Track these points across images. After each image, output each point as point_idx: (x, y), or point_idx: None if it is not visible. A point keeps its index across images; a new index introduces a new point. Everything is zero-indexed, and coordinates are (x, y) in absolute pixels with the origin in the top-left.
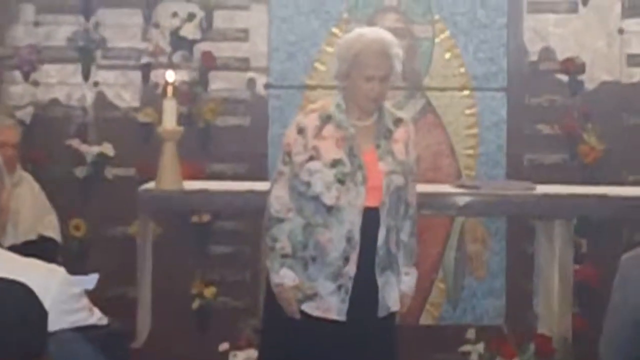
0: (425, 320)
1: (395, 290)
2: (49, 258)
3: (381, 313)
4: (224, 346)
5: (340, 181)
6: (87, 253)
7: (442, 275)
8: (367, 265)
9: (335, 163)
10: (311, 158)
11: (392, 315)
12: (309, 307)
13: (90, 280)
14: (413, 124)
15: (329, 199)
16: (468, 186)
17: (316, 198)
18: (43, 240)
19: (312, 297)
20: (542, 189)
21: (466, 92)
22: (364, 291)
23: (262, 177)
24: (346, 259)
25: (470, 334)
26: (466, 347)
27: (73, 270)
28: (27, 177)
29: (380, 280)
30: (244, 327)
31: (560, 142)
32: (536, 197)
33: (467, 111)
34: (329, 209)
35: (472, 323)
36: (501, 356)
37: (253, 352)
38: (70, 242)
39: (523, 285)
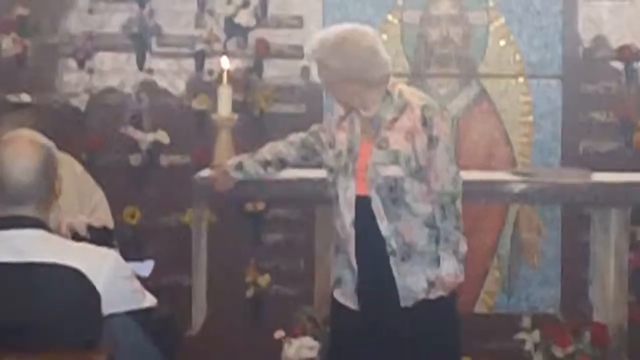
0: (480, 308)
1: (423, 278)
2: (103, 244)
3: (405, 302)
4: (278, 334)
5: (336, 171)
6: (141, 241)
7: (497, 263)
8: (378, 255)
9: (338, 153)
10: (330, 146)
11: (429, 303)
12: (336, 294)
13: (146, 267)
14: (429, 107)
15: (331, 189)
16: (523, 173)
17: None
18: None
19: (338, 283)
20: (597, 176)
21: (521, 80)
22: (379, 281)
23: (317, 165)
24: (349, 248)
25: (526, 322)
26: (521, 335)
27: (128, 257)
28: (66, 158)
29: (398, 270)
30: (298, 315)
31: (615, 130)
32: (591, 185)
33: (522, 98)
34: (335, 199)
35: (527, 311)
36: (557, 344)
37: (307, 340)
38: (124, 230)
39: (578, 273)
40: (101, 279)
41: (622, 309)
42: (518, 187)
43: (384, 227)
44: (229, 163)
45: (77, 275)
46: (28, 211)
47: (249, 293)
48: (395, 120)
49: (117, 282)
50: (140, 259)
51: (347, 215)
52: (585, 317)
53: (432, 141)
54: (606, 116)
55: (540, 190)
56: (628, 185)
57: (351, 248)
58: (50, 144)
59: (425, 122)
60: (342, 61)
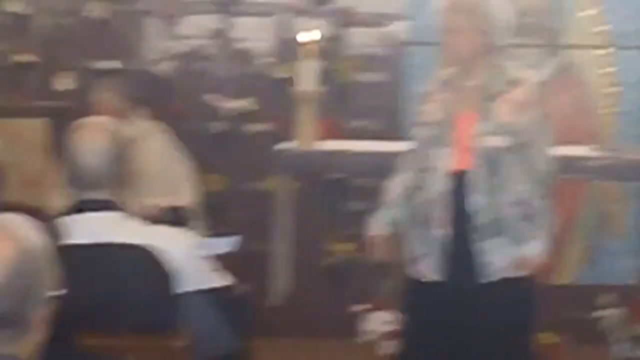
0: (560, 280)
1: (508, 255)
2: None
3: (487, 279)
4: (359, 306)
5: (430, 142)
6: (225, 208)
7: (579, 234)
8: (466, 230)
9: (429, 125)
10: (418, 123)
11: (510, 281)
12: (416, 268)
13: (232, 242)
14: (537, 84)
15: (421, 160)
16: (605, 149)
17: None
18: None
19: (418, 257)
20: None
21: (607, 50)
22: (462, 256)
23: (398, 135)
24: (436, 221)
25: (608, 297)
26: (603, 311)
27: (213, 225)
28: (155, 128)
29: (483, 245)
30: (380, 287)
31: None
32: None
33: (608, 69)
34: (423, 171)
35: (608, 283)
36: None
37: (387, 314)
38: (209, 197)
39: None
40: (175, 258)
41: None
42: (600, 163)
43: (478, 200)
44: (377, 233)
45: (150, 255)
46: (102, 194)
47: (332, 262)
48: (504, 93)
49: (191, 260)
50: (224, 227)
51: (442, 186)
52: None
53: (539, 118)
54: None
55: (622, 167)
56: None
57: (442, 220)
58: (123, 127)
59: (534, 99)
60: (497, 12)
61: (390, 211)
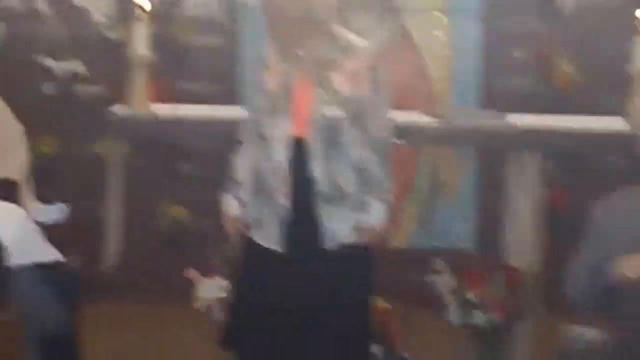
0: (395, 243)
1: (348, 222)
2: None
3: (328, 245)
4: (191, 274)
5: (269, 111)
6: (56, 171)
7: (413, 198)
8: (306, 197)
9: (268, 93)
10: (258, 88)
11: (351, 247)
12: (255, 235)
13: (58, 210)
14: (373, 52)
15: (260, 129)
16: (438, 115)
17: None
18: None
19: (257, 225)
20: (513, 118)
21: (440, 15)
22: (304, 223)
23: (233, 99)
24: (277, 189)
25: (440, 262)
26: (436, 276)
27: (43, 189)
28: None
29: (325, 212)
30: (213, 253)
31: (534, 68)
32: (507, 129)
33: (442, 35)
34: (263, 139)
35: (442, 247)
36: (470, 287)
37: (220, 280)
38: (39, 159)
39: (494, 209)
40: (5, 232)
41: (535, 251)
42: (433, 129)
43: (317, 168)
44: (229, 212)
45: None
46: None
47: (164, 225)
48: (339, 61)
49: (23, 235)
50: (55, 190)
51: (282, 155)
52: (500, 254)
53: (376, 86)
54: (525, 54)
55: (455, 133)
56: (543, 130)
57: (284, 188)
58: None
59: (371, 67)
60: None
61: (240, 188)
